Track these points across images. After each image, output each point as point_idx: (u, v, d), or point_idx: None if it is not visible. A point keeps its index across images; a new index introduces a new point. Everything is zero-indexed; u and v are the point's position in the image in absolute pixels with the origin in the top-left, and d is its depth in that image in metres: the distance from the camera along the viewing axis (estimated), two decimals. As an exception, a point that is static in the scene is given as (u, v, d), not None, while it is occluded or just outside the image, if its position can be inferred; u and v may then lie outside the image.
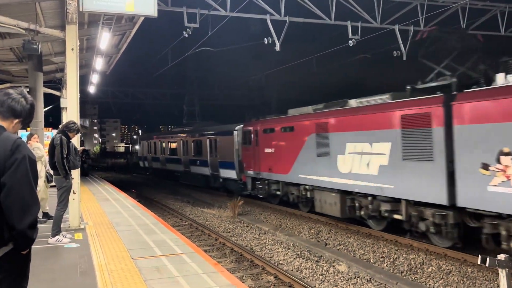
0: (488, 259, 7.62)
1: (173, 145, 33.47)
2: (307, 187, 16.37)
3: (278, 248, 13.05)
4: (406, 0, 17.27)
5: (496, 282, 8.14)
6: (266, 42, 17.04)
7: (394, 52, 18.40)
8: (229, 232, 15.54)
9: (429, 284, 9.49)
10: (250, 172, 20.58)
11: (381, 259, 11.51)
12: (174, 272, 7.14)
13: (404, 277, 10.06)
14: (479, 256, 7.78)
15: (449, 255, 11.45)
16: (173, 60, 29.37)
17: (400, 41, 17.89)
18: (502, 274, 7.38)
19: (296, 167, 16.65)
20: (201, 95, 47.79)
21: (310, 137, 15.71)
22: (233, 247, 13.10)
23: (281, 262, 11.65)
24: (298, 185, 16.95)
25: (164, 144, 35.39)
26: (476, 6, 17.80)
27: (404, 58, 18.44)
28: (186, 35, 17.18)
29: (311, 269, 10.93)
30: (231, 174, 23.12)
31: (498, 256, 7.47)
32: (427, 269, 10.56)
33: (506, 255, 7.50)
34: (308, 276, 10.37)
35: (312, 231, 15.17)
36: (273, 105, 42.16)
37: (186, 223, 17.48)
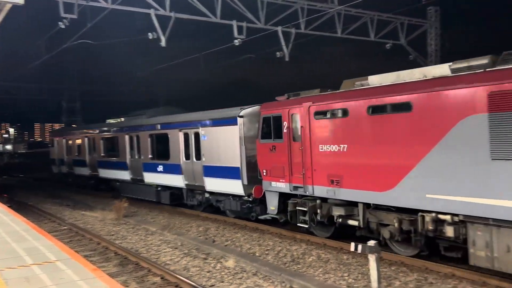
0: (359, 246, 8.27)
1: (111, 143, 23.37)
2: (454, 218, 9.06)
3: (166, 248, 12.77)
4: (288, 3, 18.02)
5: (367, 266, 8.84)
6: (150, 37, 16.56)
7: (278, 53, 19.10)
8: (112, 235, 14.83)
9: (310, 273, 9.99)
10: (279, 185, 12.89)
11: (267, 252, 11.86)
12: (46, 281, 6.57)
13: (288, 268, 10.48)
14: (352, 243, 8.41)
15: (328, 245, 12.19)
16: (49, 53, 27.20)
17: (283, 43, 18.64)
18: (372, 258, 8.07)
19: (417, 179, 9.41)
20: (83, 91, 45.02)
21: (466, 121, 8.54)
22: (117, 250, 12.52)
23: (168, 262, 11.41)
24: (415, 211, 9.67)
25: (97, 141, 24.89)
26: (350, 13, 19.23)
27: (287, 59, 19.24)
28: (63, 26, 15.97)
29: (199, 267, 10.88)
30: (232, 186, 14.82)
31: (368, 242, 8.14)
32: (308, 258, 11.12)
33: (375, 241, 8.21)
34: (196, 274, 10.30)
35: (200, 229, 15.12)
36: (161, 101, 41.25)
37: (65, 228, 16.30)
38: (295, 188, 12.38)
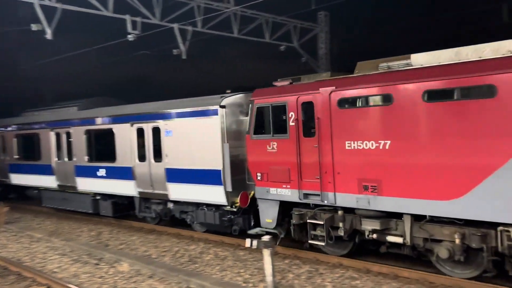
0: (254, 241, 8.47)
1: (29, 141, 18.95)
2: None
3: (52, 256, 11.92)
4: (185, 0, 17.82)
5: (263, 261, 9.06)
6: (34, 29, 15.27)
7: (174, 50, 18.78)
8: (-9, 244, 13.48)
9: (207, 271, 10.00)
10: (281, 192, 10.43)
11: (163, 254, 11.63)
12: None
13: (185, 268, 10.37)
14: (247, 239, 8.58)
15: (225, 242, 12.30)
16: None
17: (180, 40, 18.38)
18: (266, 253, 8.30)
19: (503, 183, 7.35)
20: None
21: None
22: (-5, 261, 11.40)
23: (55, 270, 10.66)
24: (484, 224, 7.86)
25: (8, 139, 20.35)
26: (246, 14, 19.56)
27: (184, 57, 19.02)
28: None
29: (90, 273, 10.32)
30: (210, 194, 12.13)
31: (262, 237, 8.36)
32: (205, 257, 11.12)
33: (270, 236, 8.46)
34: (86, 281, 9.76)
35: (93, 233, 14.35)
36: (47, 97, 38.31)
37: None
38: (306, 196, 9.89)
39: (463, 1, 20.94)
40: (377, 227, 8.93)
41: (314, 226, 9.95)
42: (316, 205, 9.94)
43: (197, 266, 10.49)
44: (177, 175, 12.83)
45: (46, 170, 17.71)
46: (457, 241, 7.98)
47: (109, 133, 14.95)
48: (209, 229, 12.86)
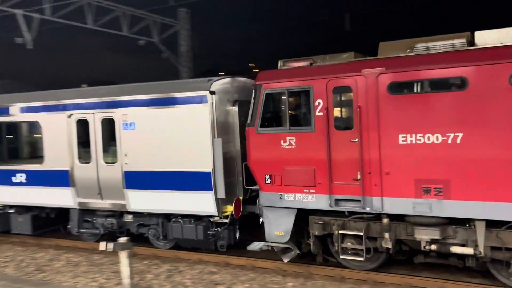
0: (110, 244, 8.09)
1: None
2: None
3: None
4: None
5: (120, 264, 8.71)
6: None
7: (17, 39, 16.98)
8: None
9: (57, 279, 9.27)
10: (300, 198, 8.52)
11: (5, 264, 10.46)
12: None
13: (31, 278, 9.47)
14: (101, 243, 8.16)
15: (79, 246, 11.55)
16: None
17: (25, 28, 16.68)
18: (123, 255, 8.00)
19: None
20: None
21: None
22: None
23: None
24: None
25: None
26: (102, 4, 18.57)
27: (30, 46, 17.32)
28: None
29: None
30: (193, 203, 9.79)
31: (118, 239, 8.04)
32: (56, 264, 10.30)
33: (127, 238, 8.17)
34: None
35: None
36: None
37: None
38: (339, 202, 8.21)
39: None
40: (437, 237, 7.55)
41: (343, 238, 8.38)
42: (351, 213, 8.28)
43: (46, 274, 9.65)
44: (141, 180, 10.20)
45: None
46: None
47: (33, 127, 11.79)
48: (184, 246, 10.30)
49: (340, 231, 8.31)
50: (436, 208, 7.45)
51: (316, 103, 8.30)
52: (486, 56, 7.12)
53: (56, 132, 11.13)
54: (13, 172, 11.82)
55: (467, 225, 7.46)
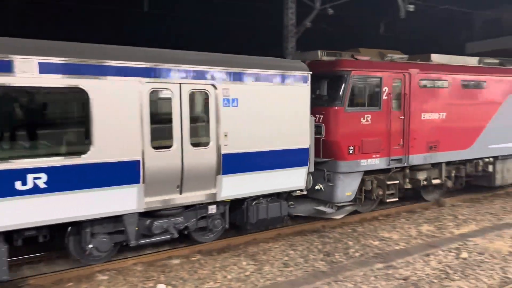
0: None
1: None
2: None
3: None
4: None
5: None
6: None
7: None
8: None
9: None
10: (374, 162, 11.22)
11: None
12: None
13: None
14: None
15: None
16: None
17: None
18: None
19: (485, 137, 13.45)
20: None
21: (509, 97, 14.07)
22: None
23: None
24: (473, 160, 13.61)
25: None
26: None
27: None
28: None
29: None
30: (285, 180, 9.96)
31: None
32: None
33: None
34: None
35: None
36: None
37: None
38: (390, 162, 11.52)
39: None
40: (427, 176, 12.48)
41: (389, 186, 11.73)
42: (390, 169, 11.73)
43: None
44: (241, 162, 9.17)
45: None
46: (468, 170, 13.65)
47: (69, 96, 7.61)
48: (259, 227, 10.14)
49: (388, 182, 11.61)
50: (432, 158, 12.28)
51: (384, 90, 11.29)
52: (449, 69, 12.68)
53: (118, 107, 7.81)
54: (22, 173, 6.97)
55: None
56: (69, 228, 8.08)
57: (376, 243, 9.88)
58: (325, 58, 11.26)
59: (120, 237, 8.40)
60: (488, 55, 15.41)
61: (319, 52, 11.30)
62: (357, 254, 9.22)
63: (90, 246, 8.08)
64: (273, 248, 9.62)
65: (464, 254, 8.99)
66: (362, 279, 7.91)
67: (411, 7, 18.36)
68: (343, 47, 12.59)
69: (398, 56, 12.05)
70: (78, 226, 8.03)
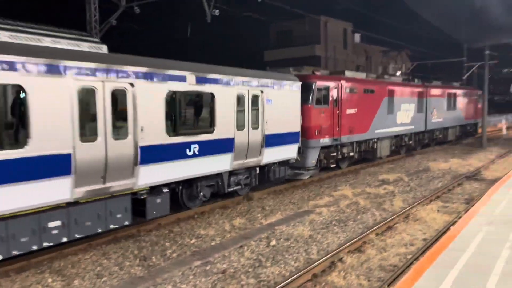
0: None
1: None
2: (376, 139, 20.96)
3: None
4: None
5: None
6: None
7: None
8: None
9: None
10: (325, 141, 17.09)
11: None
12: None
13: None
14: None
15: None
16: None
17: None
18: None
19: (374, 125, 20.41)
20: None
21: (385, 98, 21.48)
22: None
23: None
24: (367, 141, 20.44)
25: None
26: None
27: None
28: None
29: None
30: (288, 152, 15.00)
31: None
32: None
33: None
34: None
35: None
36: None
37: None
38: (333, 140, 17.46)
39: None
40: (347, 150, 18.80)
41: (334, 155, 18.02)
42: (331, 146, 17.61)
43: None
44: (273, 140, 13.93)
45: None
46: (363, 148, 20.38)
47: (205, 98, 11.61)
48: (277, 181, 15.26)
49: (332, 154, 17.84)
50: (350, 139, 18.45)
51: (330, 93, 17.20)
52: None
53: (226, 104, 12.07)
54: (189, 144, 10.93)
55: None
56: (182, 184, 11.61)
57: (193, 241, 9.91)
58: (294, 73, 16.15)
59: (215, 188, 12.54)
60: (282, 62, 19.62)
61: (290, 68, 16.87)
62: (174, 255, 9.08)
63: (201, 193, 12.02)
64: (84, 259, 8.80)
65: (273, 242, 9.69)
66: (181, 278, 7.81)
67: (217, 12, 19.17)
68: (150, 48, 12.57)
69: (326, 72, 18.87)
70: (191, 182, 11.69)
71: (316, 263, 8.16)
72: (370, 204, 13.24)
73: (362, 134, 19.37)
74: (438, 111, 27.14)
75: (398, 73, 35.32)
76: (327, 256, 8.52)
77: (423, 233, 10.35)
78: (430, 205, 13.00)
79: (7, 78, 7.49)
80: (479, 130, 33.73)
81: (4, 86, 7.61)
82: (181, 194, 11.72)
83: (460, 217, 11.07)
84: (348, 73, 19.18)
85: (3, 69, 7.43)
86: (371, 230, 10.29)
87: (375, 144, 20.88)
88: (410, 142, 24.69)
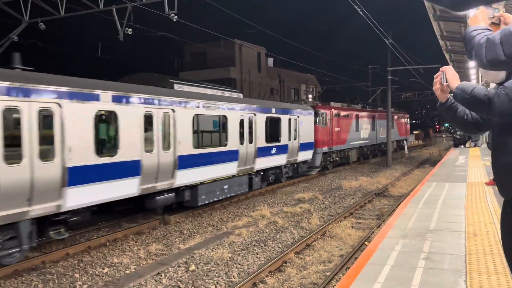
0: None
1: None
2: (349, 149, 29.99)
3: None
4: None
5: None
6: None
7: None
8: None
9: None
10: (324, 149, 25.67)
11: None
12: None
13: None
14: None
15: None
16: None
17: None
18: None
19: (349, 139, 29.53)
20: None
21: (354, 120, 30.78)
22: None
23: None
24: (345, 150, 29.31)
25: None
26: None
27: None
28: None
29: None
30: (306, 154, 23.38)
31: None
32: None
33: None
34: None
35: None
36: None
37: None
38: (330, 148, 26.41)
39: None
40: (335, 156, 27.84)
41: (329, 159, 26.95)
42: (327, 152, 26.18)
43: None
44: (302, 147, 22.12)
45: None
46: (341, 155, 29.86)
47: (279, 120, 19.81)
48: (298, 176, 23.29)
49: (327, 158, 26.75)
50: (335, 148, 27.25)
51: (327, 117, 26.06)
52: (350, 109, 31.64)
53: (287, 125, 20.60)
54: (271, 147, 18.93)
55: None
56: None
57: (106, 270, 9.22)
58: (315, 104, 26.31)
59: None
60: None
61: (302, 100, 27.45)
62: (85, 286, 8.36)
63: (270, 178, 19.61)
64: (-23, 298, 7.77)
65: (192, 267, 9.32)
66: (93, 312, 7.15)
67: (129, 31, 18.58)
68: (57, 63, 11.80)
69: (311, 101, 28.78)
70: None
71: (237, 286, 7.93)
72: (288, 223, 13.34)
73: (343, 145, 28.20)
74: (383, 130, 36.32)
75: (310, 96, 37.43)
76: (248, 278, 8.35)
77: (339, 249, 10.59)
78: (345, 222, 13.41)
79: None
80: (409, 145, 48.48)
81: None
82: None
83: (373, 232, 11.53)
84: (332, 104, 28.32)
85: None
86: (290, 249, 10.31)
87: (349, 152, 29.76)
88: (368, 151, 34.75)
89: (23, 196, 8.54)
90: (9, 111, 8.44)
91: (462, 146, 33.90)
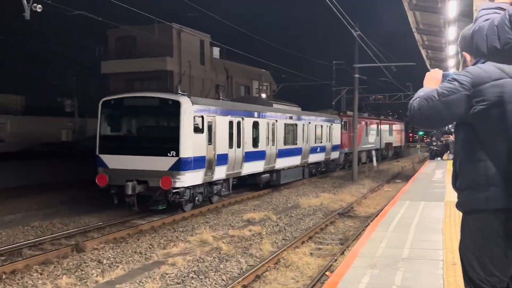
0: None
1: None
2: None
3: None
4: None
5: None
6: None
7: None
8: None
9: None
10: (346, 150, 39.23)
11: None
12: None
13: None
14: None
15: None
16: None
17: None
18: None
19: (361, 143, 42.13)
20: None
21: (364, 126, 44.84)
22: None
23: None
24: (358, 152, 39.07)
25: None
26: None
27: None
28: None
29: None
30: (335, 154, 38.20)
31: None
32: None
33: None
34: None
35: None
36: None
37: None
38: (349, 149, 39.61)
39: None
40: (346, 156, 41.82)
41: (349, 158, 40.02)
42: (347, 153, 40.03)
43: None
44: (335, 148, 37.29)
45: None
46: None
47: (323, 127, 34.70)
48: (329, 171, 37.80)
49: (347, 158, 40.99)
50: (351, 150, 37.95)
51: (347, 124, 40.63)
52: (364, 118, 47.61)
53: (325, 130, 35.28)
54: (317, 147, 33.27)
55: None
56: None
57: (0, 312, 8.76)
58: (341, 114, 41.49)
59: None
60: (125, 76, 17.92)
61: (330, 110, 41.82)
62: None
63: (313, 171, 34.07)
64: None
65: (114, 305, 9.03)
66: None
67: (38, 7, 17.94)
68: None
69: (330, 111, 41.24)
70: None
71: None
72: (235, 249, 13.27)
73: (350, 148, 37.42)
74: (385, 136, 52.14)
75: (264, 95, 37.81)
76: (184, 319, 8.19)
77: (295, 282, 10.65)
78: (302, 248, 13.52)
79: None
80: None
81: None
82: None
83: (336, 260, 11.67)
84: (348, 112, 40.56)
85: None
86: (236, 281, 10.26)
87: (360, 154, 40.01)
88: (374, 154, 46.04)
89: (238, 164, 21.58)
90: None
91: (439, 158, 34.51)
